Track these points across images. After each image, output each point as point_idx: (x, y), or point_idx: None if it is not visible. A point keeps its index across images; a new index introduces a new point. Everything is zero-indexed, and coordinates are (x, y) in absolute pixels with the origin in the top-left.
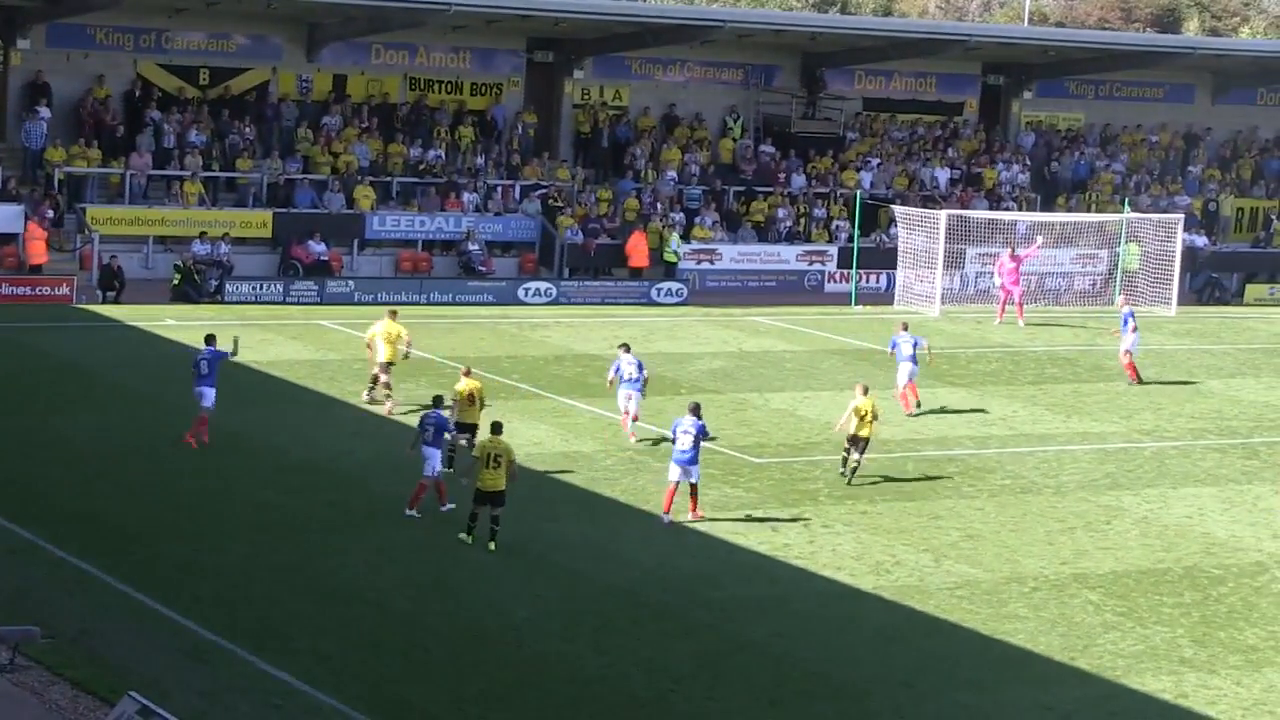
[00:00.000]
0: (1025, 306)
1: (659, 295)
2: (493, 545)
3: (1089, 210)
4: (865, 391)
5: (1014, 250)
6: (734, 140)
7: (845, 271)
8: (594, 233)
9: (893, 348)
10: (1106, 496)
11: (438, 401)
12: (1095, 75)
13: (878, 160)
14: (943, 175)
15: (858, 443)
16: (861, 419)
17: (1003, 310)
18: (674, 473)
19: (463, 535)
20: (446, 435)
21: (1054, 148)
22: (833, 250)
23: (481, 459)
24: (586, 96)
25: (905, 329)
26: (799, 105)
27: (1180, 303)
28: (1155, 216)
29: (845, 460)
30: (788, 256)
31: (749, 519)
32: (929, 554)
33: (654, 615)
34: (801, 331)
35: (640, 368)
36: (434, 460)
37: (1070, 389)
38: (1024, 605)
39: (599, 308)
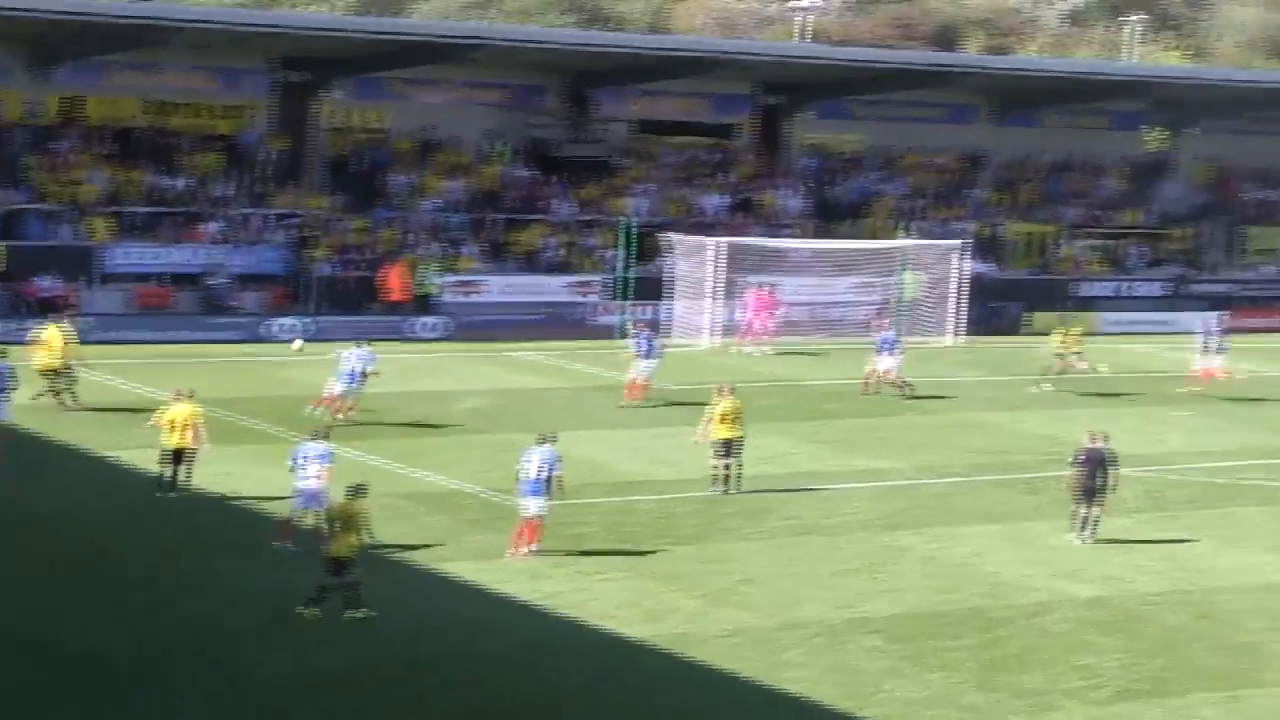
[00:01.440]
0: (783, 338)
1: (418, 330)
2: (356, 614)
3: (869, 236)
4: (730, 391)
5: (766, 288)
6: (498, 165)
7: (615, 303)
8: (348, 264)
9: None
10: (888, 536)
11: (319, 434)
12: (875, 95)
13: (650, 185)
14: (718, 201)
15: (730, 447)
16: (724, 420)
17: (754, 338)
18: (530, 506)
19: (306, 609)
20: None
21: (833, 171)
22: (602, 281)
23: (333, 523)
24: (340, 119)
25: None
26: (566, 128)
27: (965, 331)
28: (936, 243)
29: (715, 476)
30: (555, 288)
31: (523, 564)
32: (703, 600)
33: (416, 669)
34: (571, 367)
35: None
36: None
37: (850, 424)
38: (802, 652)
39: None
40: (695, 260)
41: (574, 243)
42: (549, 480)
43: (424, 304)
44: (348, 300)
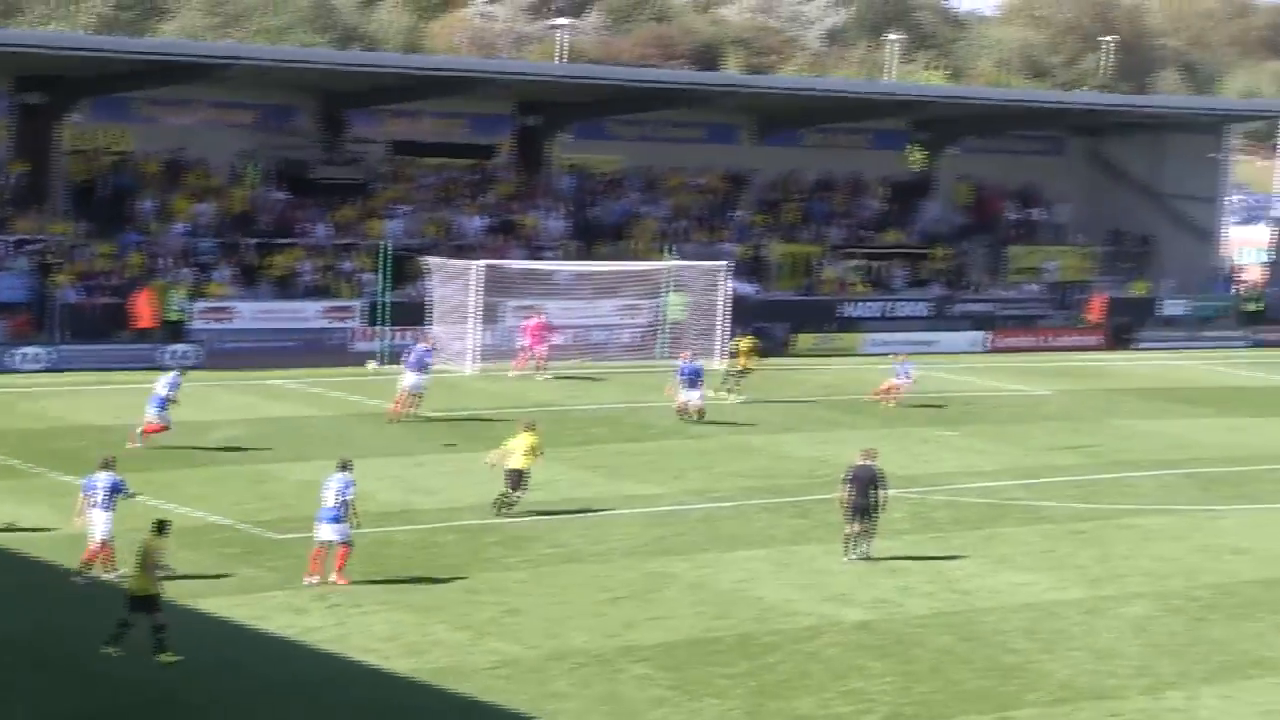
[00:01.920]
0: (555, 361)
1: (169, 358)
2: (165, 657)
3: (631, 258)
4: (530, 428)
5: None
6: (249, 187)
7: (374, 328)
8: (94, 291)
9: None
10: (655, 563)
11: (108, 463)
12: (635, 115)
13: (407, 207)
14: (478, 223)
15: (520, 478)
16: (521, 452)
17: (537, 362)
18: (321, 532)
19: (108, 648)
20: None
21: (594, 192)
22: (359, 305)
23: (136, 559)
24: (84, 142)
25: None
26: (320, 149)
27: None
28: (700, 264)
29: (506, 500)
30: (311, 313)
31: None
32: (467, 632)
33: (174, 709)
34: (328, 395)
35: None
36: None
37: (616, 449)
38: (569, 683)
39: (101, 374)
40: (455, 283)
41: (330, 267)
42: (346, 506)
43: (174, 331)
44: (94, 328)
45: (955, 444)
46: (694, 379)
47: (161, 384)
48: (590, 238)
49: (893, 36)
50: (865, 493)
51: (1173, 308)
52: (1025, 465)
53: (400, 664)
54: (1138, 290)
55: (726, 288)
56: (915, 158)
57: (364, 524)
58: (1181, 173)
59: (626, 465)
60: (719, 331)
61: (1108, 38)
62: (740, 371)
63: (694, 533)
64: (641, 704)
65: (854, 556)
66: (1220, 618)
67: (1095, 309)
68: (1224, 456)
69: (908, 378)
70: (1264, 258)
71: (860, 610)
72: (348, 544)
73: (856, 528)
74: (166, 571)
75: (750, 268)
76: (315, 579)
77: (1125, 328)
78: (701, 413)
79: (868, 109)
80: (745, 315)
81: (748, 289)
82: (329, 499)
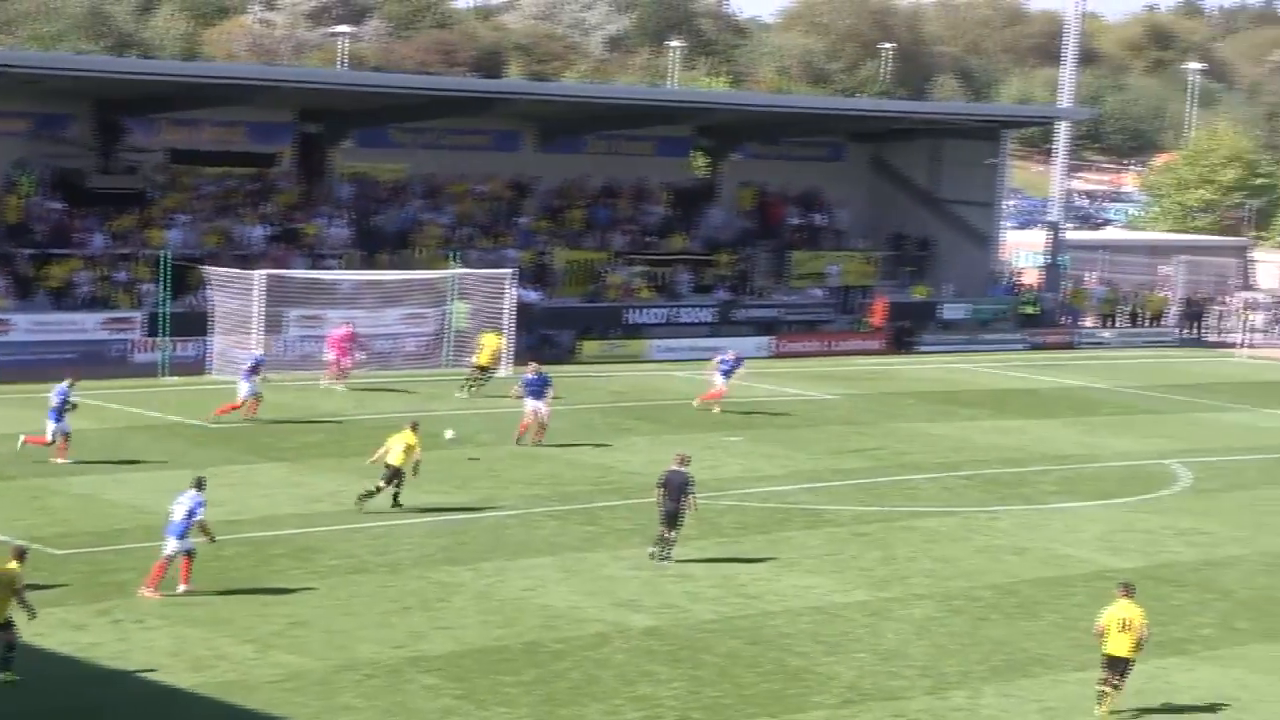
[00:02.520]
0: (350, 372)
1: None
2: (6, 675)
3: (415, 266)
4: (415, 428)
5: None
6: (22, 197)
7: (154, 339)
8: None
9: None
10: (442, 572)
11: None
12: (418, 123)
13: (187, 217)
14: (259, 231)
15: (395, 474)
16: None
17: (339, 373)
18: (168, 546)
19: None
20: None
21: (376, 200)
22: (139, 316)
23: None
24: None
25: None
26: (96, 157)
27: (515, 361)
28: (485, 271)
29: (373, 492)
30: (89, 325)
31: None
32: (253, 645)
33: None
34: (107, 407)
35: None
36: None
37: None
38: (357, 694)
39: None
40: (236, 293)
41: (108, 277)
42: (194, 522)
43: None
44: None
45: (741, 449)
46: (539, 390)
47: (55, 394)
48: (373, 246)
49: (674, 43)
50: (676, 498)
51: (952, 311)
52: (810, 469)
53: (185, 679)
54: (918, 294)
55: (511, 295)
56: (699, 164)
57: (146, 537)
58: (959, 178)
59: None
60: (505, 339)
61: (886, 45)
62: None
63: (481, 541)
64: (430, 714)
65: (662, 559)
66: (1001, 617)
67: (877, 313)
68: (1001, 458)
69: (725, 378)
70: (1040, 261)
71: (648, 616)
72: (190, 553)
73: (667, 533)
74: (22, 602)
75: (535, 274)
76: (151, 591)
77: (906, 331)
78: (543, 425)
79: (651, 116)
80: (531, 322)
81: (533, 296)
82: (178, 514)
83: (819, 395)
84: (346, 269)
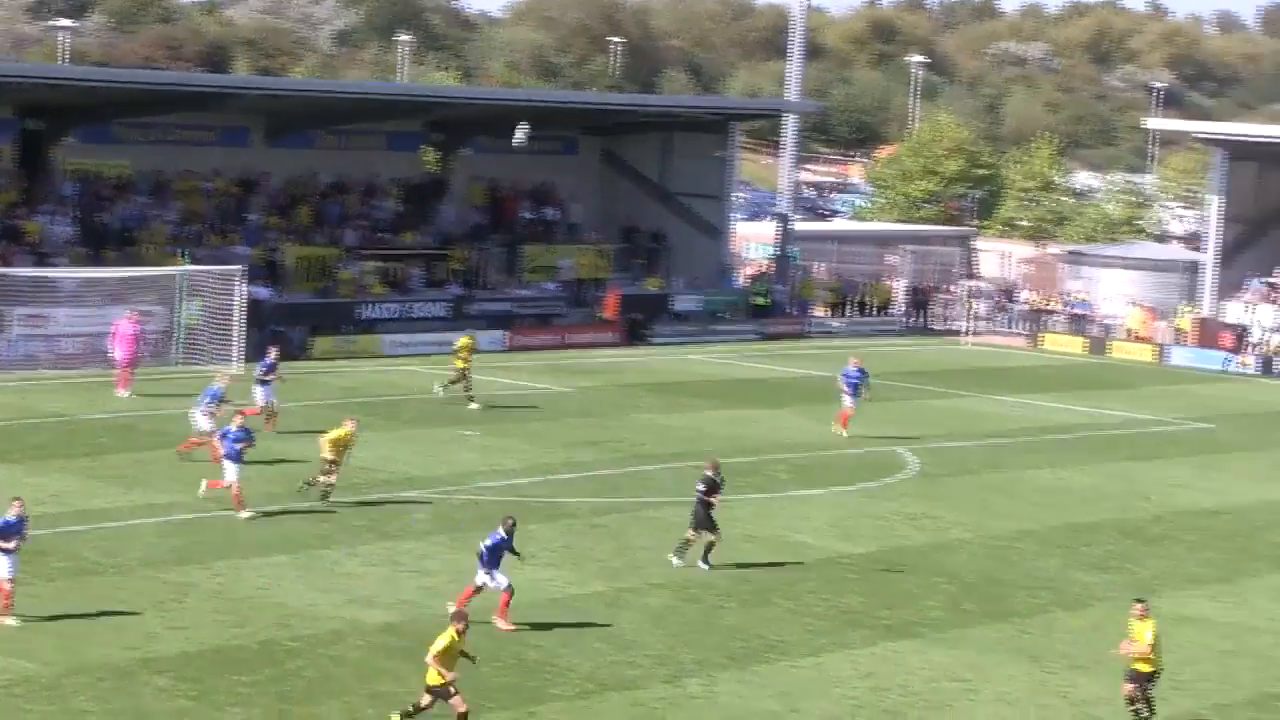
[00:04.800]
0: (67, 370)
1: None
2: None
3: (142, 263)
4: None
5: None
6: None
7: None
8: None
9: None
10: (174, 572)
11: None
12: (143, 118)
13: None
14: None
15: (328, 465)
16: (337, 444)
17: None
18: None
19: None
20: None
21: (101, 197)
22: None
23: None
24: None
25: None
26: None
27: (246, 358)
28: (214, 268)
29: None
30: None
31: None
32: None
33: None
34: None
35: None
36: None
37: (131, 458)
38: (90, 698)
39: None
40: None
41: None
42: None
43: None
44: None
45: (477, 443)
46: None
47: None
48: (98, 243)
49: (403, 38)
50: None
51: (684, 303)
52: (546, 462)
53: None
54: (651, 286)
55: (242, 291)
56: (429, 159)
57: None
58: (690, 171)
59: (143, 474)
60: (235, 336)
61: (615, 39)
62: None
63: (213, 540)
64: (163, 716)
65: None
66: (736, 605)
67: (610, 306)
68: (734, 447)
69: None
70: (770, 253)
71: (384, 612)
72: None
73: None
74: None
75: (266, 271)
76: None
77: (639, 324)
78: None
79: (381, 110)
80: (262, 319)
81: (264, 292)
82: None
83: (554, 388)
84: (71, 267)
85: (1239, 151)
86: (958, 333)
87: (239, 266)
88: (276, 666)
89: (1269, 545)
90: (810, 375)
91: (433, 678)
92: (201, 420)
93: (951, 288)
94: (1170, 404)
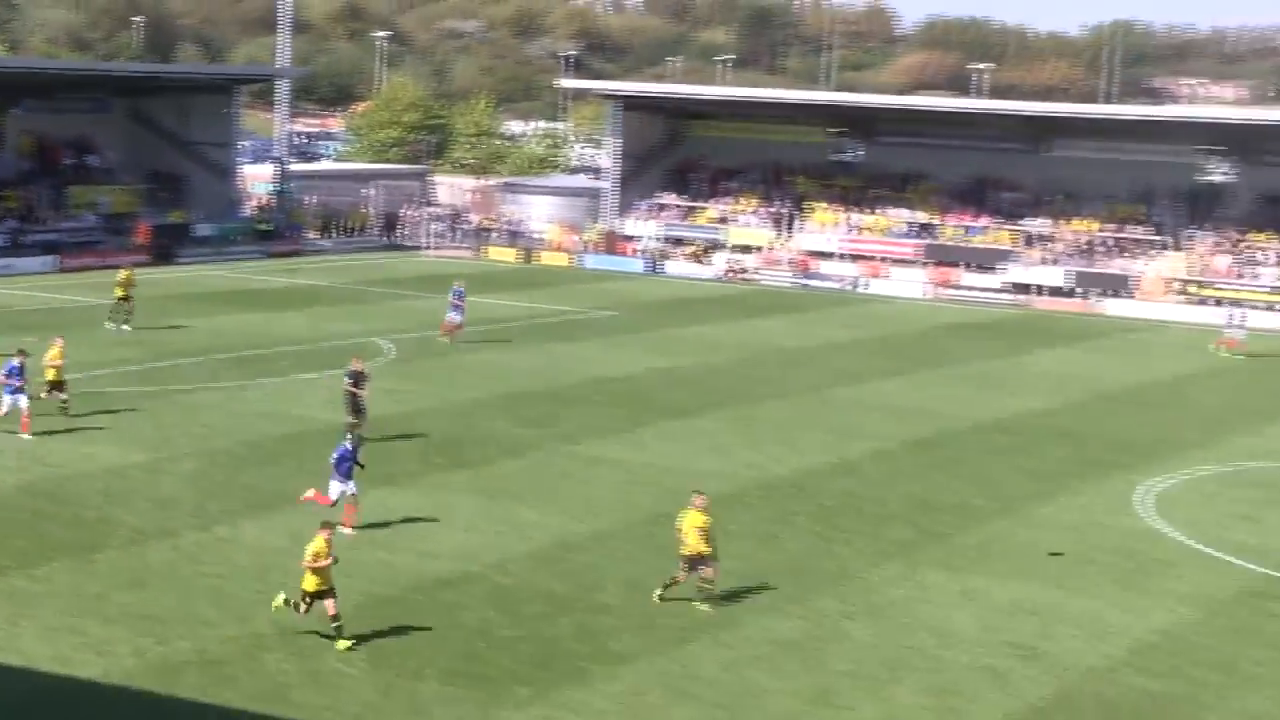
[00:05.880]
0: None
1: None
2: None
3: None
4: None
5: None
6: None
7: None
8: None
9: None
10: None
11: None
12: None
13: None
14: None
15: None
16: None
17: None
18: None
19: None
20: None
21: None
22: None
23: None
24: None
25: None
26: None
27: None
28: None
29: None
30: None
31: None
32: None
33: None
34: None
35: None
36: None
37: None
38: None
39: None
40: None
41: None
42: None
43: None
44: None
45: (35, 347)
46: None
47: None
48: None
49: None
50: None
51: (203, 230)
52: (95, 360)
53: None
54: (175, 218)
55: None
56: None
57: None
58: (204, 125)
59: None
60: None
61: (137, 18)
62: (123, 300)
63: None
64: None
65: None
66: (253, 466)
67: (142, 233)
68: (249, 343)
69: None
70: (270, 189)
71: None
72: None
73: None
74: None
75: None
76: None
77: (167, 247)
78: None
79: None
80: None
81: None
82: None
83: (100, 301)
84: None
85: (629, 104)
86: (420, 248)
87: None
88: None
89: (658, 402)
90: (307, 284)
91: (309, 583)
92: None
93: (414, 213)
94: (584, 298)
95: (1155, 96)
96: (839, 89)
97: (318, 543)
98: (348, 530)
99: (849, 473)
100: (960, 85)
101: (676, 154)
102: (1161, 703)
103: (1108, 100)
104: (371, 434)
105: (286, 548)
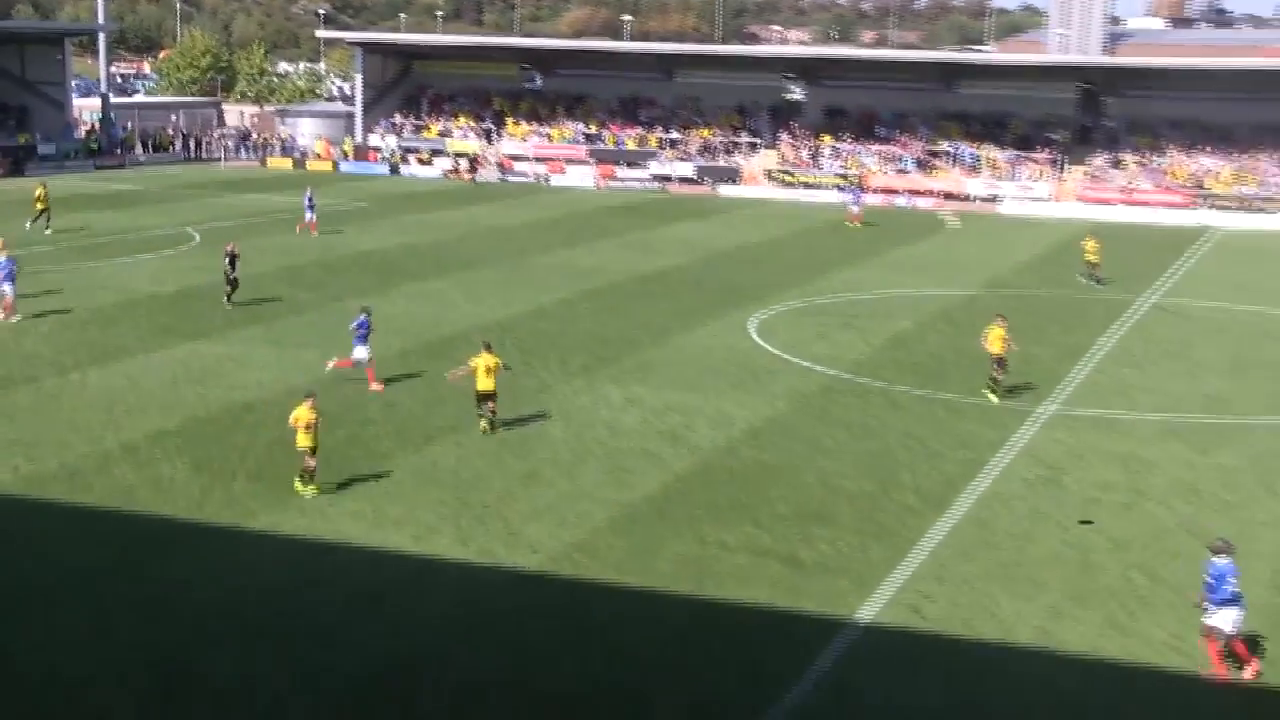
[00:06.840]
0: None
1: None
2: None
3: None
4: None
5: None
6: None
7: None
8: None
9: None
10: None
11: None
12: None
13: None
14: None
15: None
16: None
17: None
18: None
19: None
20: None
21: None
22: None
23: None
24: None
25: None
26: None
27: None
28: None
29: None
30: None
31: None
32: None
33: None
34: None
35: None
36: None
37: None
38: None
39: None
40: None
41: None
42: None
43: None
44: None
45: None
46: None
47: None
48: None
49: None
50: None
51: (45, 149)
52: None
53: None
54: (22, 140)
55: None
56: None
57: None
58: (42, 69)
59: None
60: None
61: None
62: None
63: None
64: None
65: None
66: (96, 328)
67: None
68: (88, 235)
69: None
70: (97, 117)
71: None
72: None
73: None
74: None
75: None
76: None
77: (19, 163)
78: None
79: None
80: None
81: None
82: None
83: None
84: None
85: (370, 49)
86: (217, 160)
87: None
88: None
89: (403, 270)
90: (130, 189)
91: (303, 440)
92: None
93: (211, 132)
94: (343, 195)
95: (751, 39)
96: (525, 36)
97: (301, 410)
98: (375, 386)
99: (542, 317)
100: (613, 32)
101: (407, 85)
102: (770, 469)
103: (719, 42)
104: (185, 300)
105: (125, 386)
